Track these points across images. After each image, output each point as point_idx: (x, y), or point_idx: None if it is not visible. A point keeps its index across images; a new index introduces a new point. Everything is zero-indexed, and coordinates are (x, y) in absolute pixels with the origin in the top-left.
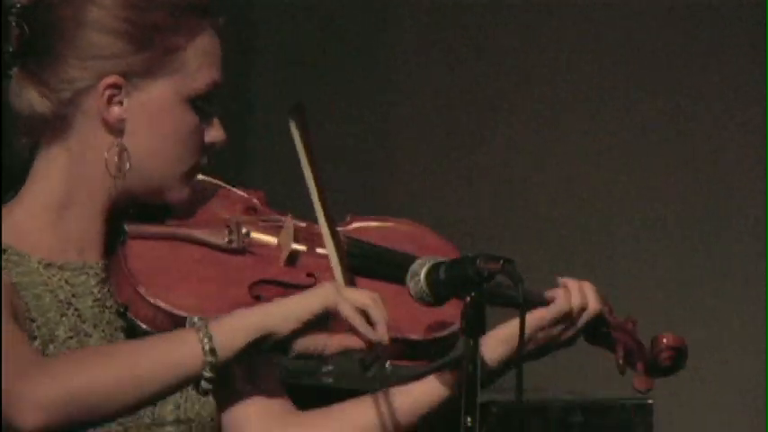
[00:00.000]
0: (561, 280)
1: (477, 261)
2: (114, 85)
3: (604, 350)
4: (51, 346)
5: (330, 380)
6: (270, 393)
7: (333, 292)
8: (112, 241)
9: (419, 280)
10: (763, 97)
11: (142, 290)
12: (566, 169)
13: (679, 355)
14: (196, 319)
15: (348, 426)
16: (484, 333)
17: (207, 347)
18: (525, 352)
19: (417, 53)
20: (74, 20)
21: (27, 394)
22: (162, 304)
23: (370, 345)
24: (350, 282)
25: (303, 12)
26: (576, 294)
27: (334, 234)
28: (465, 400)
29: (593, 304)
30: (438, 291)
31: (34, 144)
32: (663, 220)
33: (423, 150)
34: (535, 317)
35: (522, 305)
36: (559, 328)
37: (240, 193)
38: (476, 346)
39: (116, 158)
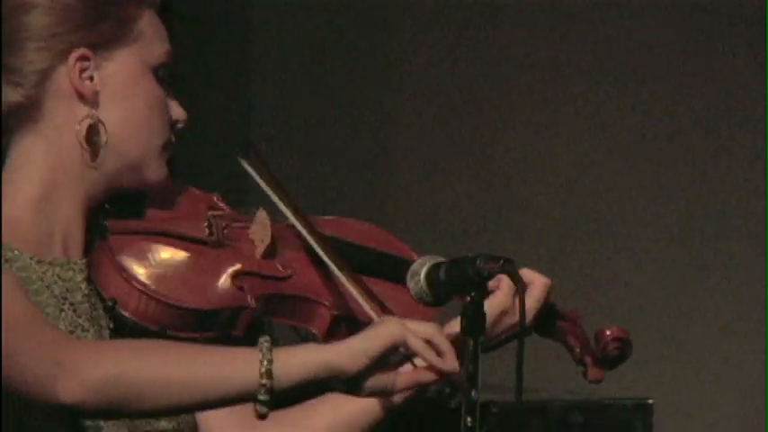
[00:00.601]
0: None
1: (477, 261)
2: (84, 57)
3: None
4: None
5: None
6: None
7: (398, 327)
8: (91, 238)
9: (419, 280)
10: (764, 97)
11: (133, 280)
12: (566, 169)
13: (624, 345)
14: (263, 341)
15: (322, 425)
16: (484, 333)
17: (264, 369)
18: (496, 341)
19: (418, 53)
20: (23, 7)
21: (74, 366)
22: (153, 294)
23: (442, 375)
24: (311, 276)
25: (303, 12)
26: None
27: (318, 237)
28: (465, 400)
29: (540, 277)
30: (438, 291)
31: (9, 136)
32: (663, 219)
33: (423, 151)
34: (498, 301)
35: (522, 304)
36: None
37: (200, 192)
38: (476, 346)
39: (86, 131)
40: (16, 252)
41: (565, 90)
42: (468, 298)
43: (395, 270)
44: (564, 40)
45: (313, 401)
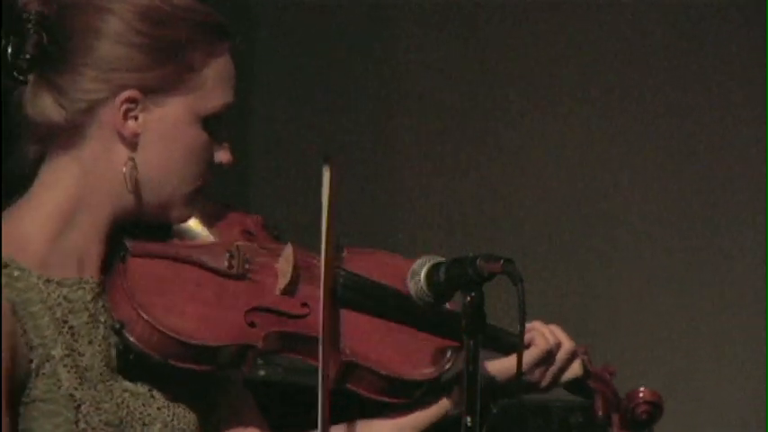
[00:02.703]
0: (528, 325)
1: (478, 261)
2: (131, 100)
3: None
4: (47, 365)
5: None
6: (250, 423)
7: None
8: (111, 256)
9: (419, 280)
10: (764, 97)
11: (140, 309)
12: (566, 169)
13: (655, 410)
14: None
15: None
16: (484, 333)
17: None
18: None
19: (418, 53)
20: (93, 30)
21: None
22: (158, 325)
23: None
24: (335, 315)
25: (303, 12)
26: (548, 334)
27: (329, 266)
28: (465, 400)
29: (567, 342)
30: (438, 291)
31: (41, 152)
32: (663, 219)
33: (423, 150)
34: (503, 365)
35: (522, 304)
36: (540, 369)
37: (239, 214)
38: (476, 346)
39: (129, 174)
40: (24, 271)
41: (565, 90)
42: (468, 298)
43: (422, 315)
44: (564, 39)
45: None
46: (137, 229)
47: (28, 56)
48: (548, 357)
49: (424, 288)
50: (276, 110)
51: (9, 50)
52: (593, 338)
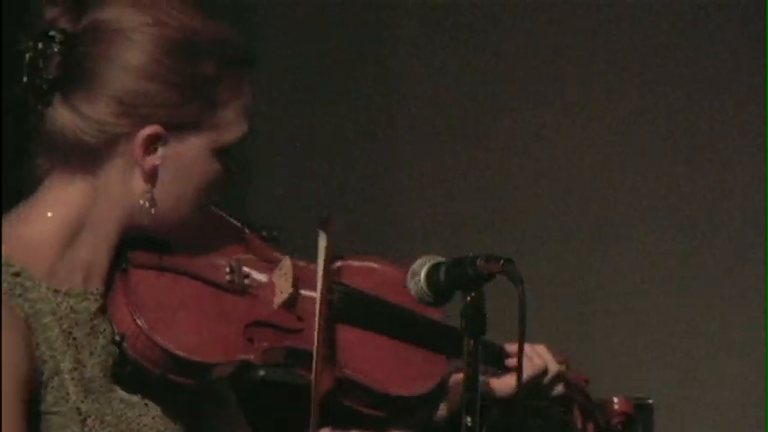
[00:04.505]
0: (514, 347)
1: (478, 261)
2: (154, 136)
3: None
4: (56, 378)
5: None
6: None
7: None
8: (114, 267)
9: (419, 280)
10: (764, 97)
11: (140, 323)
12: (566, 169)
13: (629, 421)
14: None
15: None
16: (484, 333)
17: None
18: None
19: (418, 53)
20: (119, 61)
21: None
22: (157, 341)
23: None
24: (329, 331)
25: (302, 12)
26: (535, 359)
27: (325, 286)
28: (465, 400)
29: (552, 365)
30: (438, 291)
31: (50, 166)
32: (663, 219)
33: (423, 150)
34: (506, 383)
35: (522, 305)
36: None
37: (235, 223)
38: (476, 346)
39: (149, 205)
40: (35, 281)
41: (565, 90)
42: (468, 298)
43: (414, 329)
44: (564, 39)
45: None
46: (138, 238)
47: (50, 77)
48: (534, 383)
49: (424, 288)
50: (276, 109)
51: (30, 68)
52: (592, 338)
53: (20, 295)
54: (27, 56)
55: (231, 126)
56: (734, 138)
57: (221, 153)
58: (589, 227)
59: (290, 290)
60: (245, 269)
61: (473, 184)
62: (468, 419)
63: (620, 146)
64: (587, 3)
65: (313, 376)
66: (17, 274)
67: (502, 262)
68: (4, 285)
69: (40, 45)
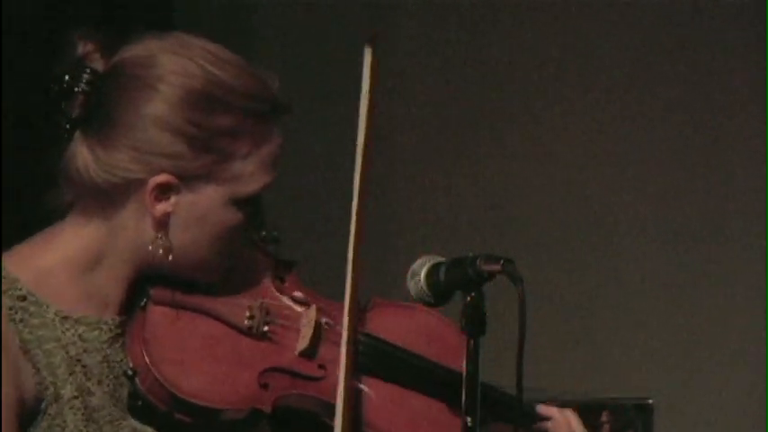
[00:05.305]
0: (545, 409)
1: (478, 261)
2: (166, 185)
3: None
4: (54, 406)
5: None
6: None
7: None
8: (134, 300)
9: (419, 280)
10: (764, 97)
11: (151, 363)
12: (566, 169)
13: None
14: None
15: None
16: (484, 333)
17: None
18: None
19: (417, 53)
20: (139, 110)
21: None
22: (166, 383)
23: None
24: (352, 381)
25: (302, 11)
26: (563, 426)
27: (352, 330)
28: (465, 400)
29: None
30: (438, 291)
31: (73, 198)
32: (663, 219)
33: (422, 150)
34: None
35: (522, 305)
36: None
37: (270, 260)
38: (476, 346)
39: (160, 251)
40: (42, 306)
41: (566, 91)
42: (468, 298)
43: (438, 385)
44: (564, 41)
45: None
46: (162, 274)
47: (73, 116)
48: None
49: (424, 288)
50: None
51: (55, 102)
52: (592, 338)
53: (21, 321)
54: (53, 88)
55: (250, 177)
56: (734, 139)
57: (241, 203)
58: (589, 226)
59: (311, 339)
60: (269, 315)
61: (473, 185)
62: (469, 419)
63: (620, 145)
64: (587, 3)
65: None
66: (23, 298)
67: (502, 262)
68: (4, 309)
69: (67, 80)
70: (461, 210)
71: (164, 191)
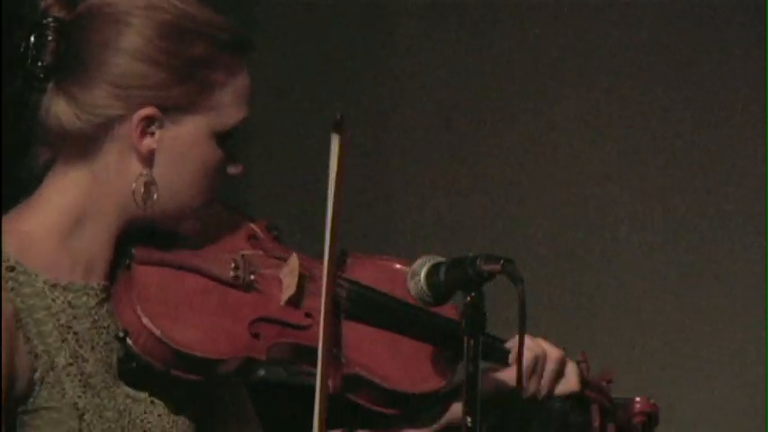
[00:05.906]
0: (512, 342)
1: (478, 261)
2: (149, 117)
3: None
4: (51, 374)
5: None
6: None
7: None
8: (117, 262)
9: (419, 280)
10: (764, 97)
11: (145, 319)
12: (565, 169)
13: (650, 420)
14: None
15: None
16: (484, 333)
17: None
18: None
19: (416, 54)
20: (112, 44)
21: None
22: (162, 337)
23: None
24: (337, 326)
25: (302, 11)
26: (531, 344)
27: (331, 278)
28: (465, 400)
29: (553, 350)
30: (438, 291)
31: (51, 156)
32: (663, 219)
33: (423, 151)
34: (508, 375)
35: (522, 305)
36: (534, 379)
37: (244, 219)
38: (476, 346)
39: (142, 189)
40: (30, 275)
41: (566, 91)
42: (468, 298)
43: (425, 327)
44: (564, 42)
45: None
46: (142, 233)
47: (44, 63)
48: (535, 365)
49: (424, 288)
50: (275, 109)
51: (25, 57)
52: (592, 339)
53: (12, 289)
54: (22, 45)
55: (229, 109)
56: (734, 139)
57: (222, 138)
58: (589, 226)
59: (296, 287)
60: (252, 265)
61: (473, 185)
62: (469, 419)
63: (620, 145)
64: (587, 3)
65: (318, 373)
66: (11, 269)
67: (502, 262)
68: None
69: (34, 34)
70: (461, 210)
71: (148, 125)
